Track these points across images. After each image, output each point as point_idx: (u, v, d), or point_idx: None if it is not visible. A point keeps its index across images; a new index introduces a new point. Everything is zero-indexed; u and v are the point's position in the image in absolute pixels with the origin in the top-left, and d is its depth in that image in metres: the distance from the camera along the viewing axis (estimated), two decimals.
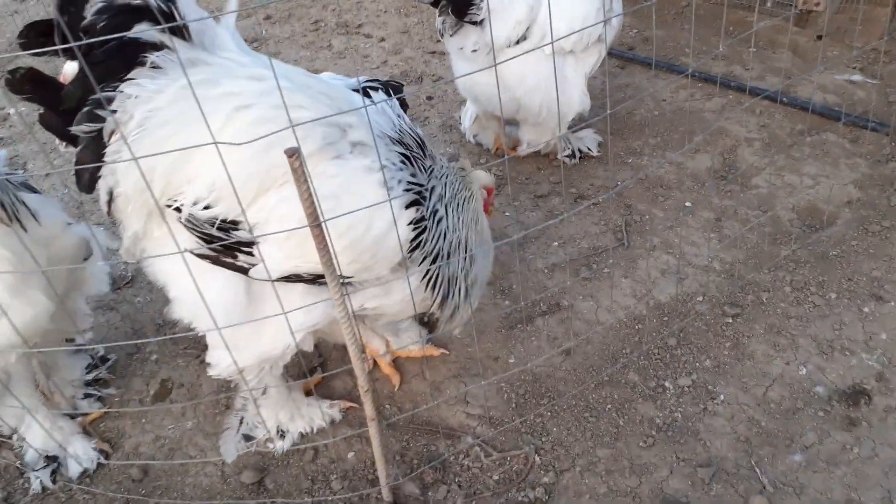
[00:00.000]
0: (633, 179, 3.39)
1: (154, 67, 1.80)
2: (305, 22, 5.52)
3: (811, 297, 2.73)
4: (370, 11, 5.50)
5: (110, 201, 1.91)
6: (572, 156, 3.56)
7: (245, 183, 1.82)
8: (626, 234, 3.12)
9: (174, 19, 1.80)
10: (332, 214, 1.70)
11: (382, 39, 5.08)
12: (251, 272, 1.91)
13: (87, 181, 1.88)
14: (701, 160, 3.49)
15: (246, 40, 4.90)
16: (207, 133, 1.44)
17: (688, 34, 4.57)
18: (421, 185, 2.04)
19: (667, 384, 2.49)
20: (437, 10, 3.08)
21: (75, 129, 1.78)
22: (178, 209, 1.84)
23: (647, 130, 3.75)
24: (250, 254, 1.87)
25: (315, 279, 1.96)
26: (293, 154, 1.52)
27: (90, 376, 2.67)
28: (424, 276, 2.10)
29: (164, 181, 1.84)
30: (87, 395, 2.62)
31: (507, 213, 3.32)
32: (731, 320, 2.68)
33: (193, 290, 1.73)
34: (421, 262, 2.06)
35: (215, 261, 1.91)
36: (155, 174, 1.81)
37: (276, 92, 1.64)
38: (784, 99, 3.75)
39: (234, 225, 1.83)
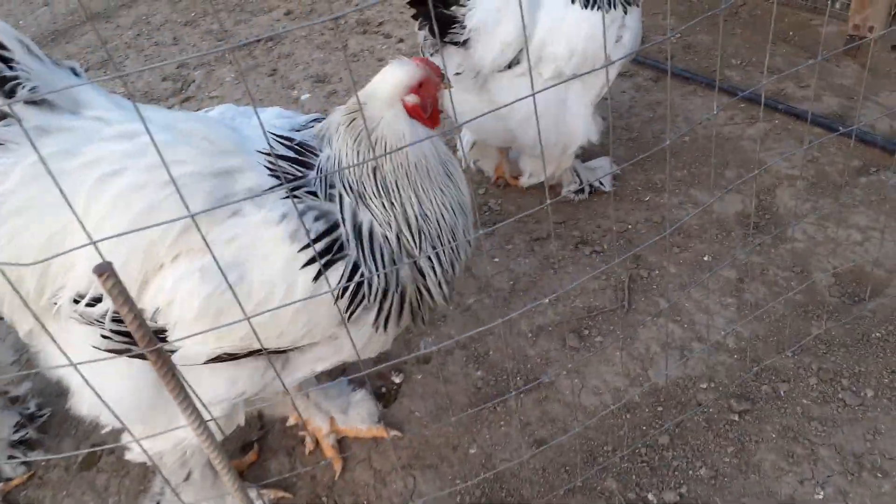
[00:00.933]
0: (645, 224, 2.93)
1: None
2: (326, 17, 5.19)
3: (841, 392, 2.24)
4: (395, 7, 5.11)
5: None
6: (581, 191, 3.12)
7: (126, 265, 1.52)
8: (629, 293, 2.68)
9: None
10: (240, 286, 1.49)
11: (401, 40, 4.70)
12: (173, 359, 1.61)
13: None
14: (731, 202, 2.99)
15: (261, 40, 4.42)
16: (72, 215, 1.16)
17: (738, 40, 3.99)
18: (323, 207, 1.65)
19: (650, 497, 2.08)
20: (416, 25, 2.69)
21: None
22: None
23: (674, 161, 3.26)
24: (164, 339, 1.58)
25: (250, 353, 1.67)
26: (103, 273, 1.19)
27: (17, 436, 2.47)
28: (379, 312, 1.73)
29: (34, 281, 1.56)
30: (10, 458, 2.43)
31: (497, 259, 2.93)
32: (737, 418, 2.23)
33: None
34: (375, 299, 1.69)
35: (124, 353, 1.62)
36: (24, 274, 1.53)
37: (149, 149, 1.39)
38: (840, 128, 3.17)
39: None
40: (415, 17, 2.66)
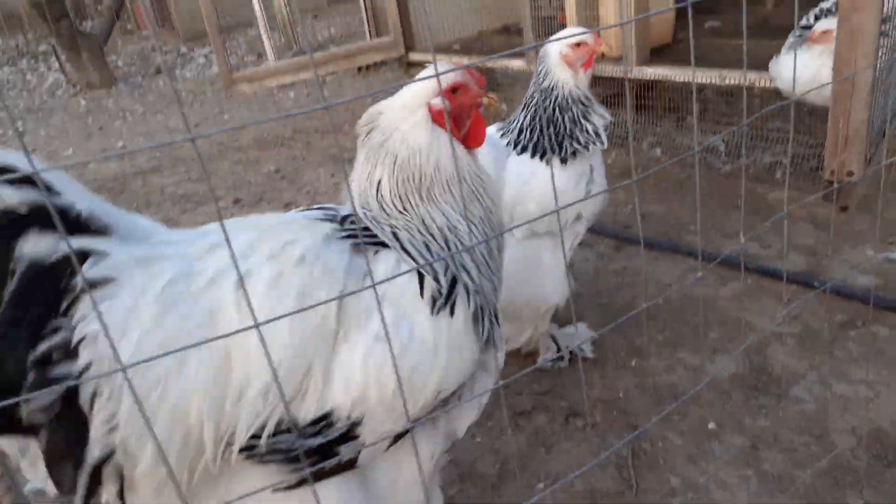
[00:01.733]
0: (636, 390, 2.67)
1: (94, 286, 1.17)
2: (277, 206, 5.11)
3: None
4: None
5: (121, 489, 1.19)
6: (560, 358, 2.87)
7: (301, 353, 1.26)
8: (634, 470, 2.35)
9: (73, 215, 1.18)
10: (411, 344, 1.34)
11: None
12: (360, 460, 1.35)
13: (71, 479, 1.15)
14: (722, 363, 2.79)
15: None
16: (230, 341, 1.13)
17: (690, 209, 4.05)
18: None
19: None
20: None
21: (29, 414, 1.10)
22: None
23: (652, 324, 3.09)
24: (354, 437, 1.31)
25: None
26: None
27: None
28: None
29: (211, 431, 1.21)
30: None
31: (479, 439, 2.58)
32: None
33: None
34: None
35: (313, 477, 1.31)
36: (190, 411, 1.19)
37: (255, 245, 1.32)
38: (816, 283, 3.11)
39: (325, 418, 1.28)
40: None
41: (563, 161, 2.48)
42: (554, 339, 2.88)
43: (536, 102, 2.51)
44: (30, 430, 1.11)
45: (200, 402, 1.18)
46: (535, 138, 2.51)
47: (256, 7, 9.70)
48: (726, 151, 4.44)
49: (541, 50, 2.51)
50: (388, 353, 1.24)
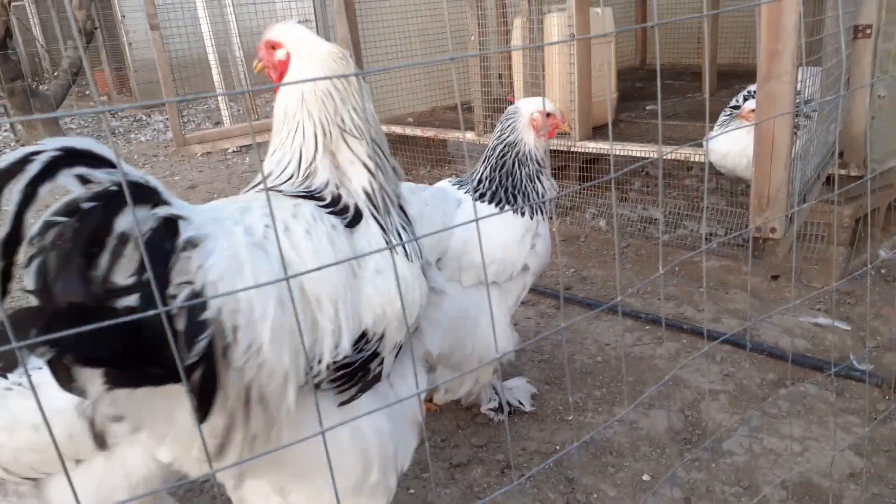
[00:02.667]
0: (576, 446, 2.65)
1: (196, 244, 1.35)
2: None
3: None
4: None
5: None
6: (500, 409, 2.85)
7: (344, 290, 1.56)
8: None
9: None
10: None
11: None
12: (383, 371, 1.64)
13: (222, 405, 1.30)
14: (657, 418, 2.81)
15: None
16: None
17: (629, 274, 4.15)
18: None
19: None
20: None
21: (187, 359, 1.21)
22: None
23: (589, 380, 3.10)
24: (377, 354, 1.60)
25: None
26: None
27: None
28: None
29: (299, 343, 1.42)
30: None
31: (412, 490, 2.51)
32: None
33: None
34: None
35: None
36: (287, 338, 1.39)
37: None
38: (749, 344, 3.20)
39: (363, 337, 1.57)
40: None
41: (515, 212, 2.58)
42: (495, 390, 2.86)
43: (497, 154, 2.66)
44: (175, 378, 1.13)
45: (293, 327, 1.36)
46: (493, 188, 2.64)
47: (216, 76, 9.87)
48: (664, 222, 4.61)
49: (511, 107, 2.67)
50: (390, 282, 1.56)
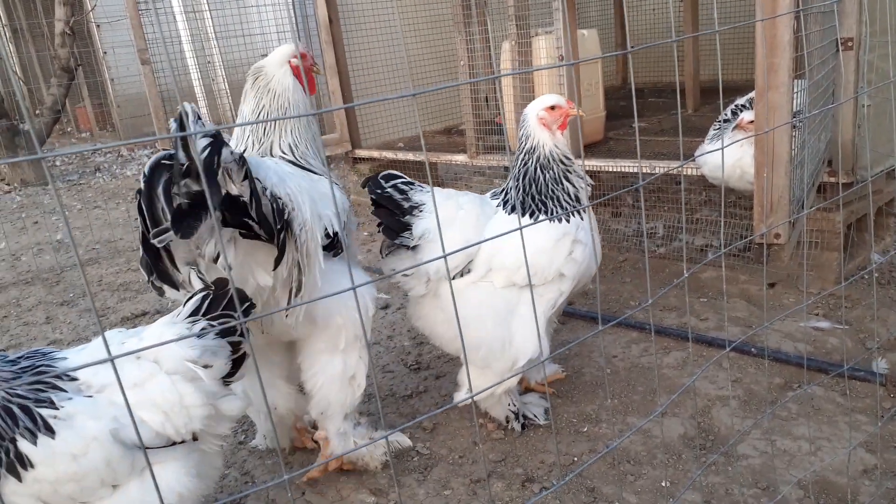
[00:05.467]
0: (594, 458, 2.68)
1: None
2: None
3: None
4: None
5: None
6: (517, 417, 2.88)
7: None
8: None
9: None
10: None
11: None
12: None
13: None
14: (671, 426, 2.85)
15: (148, 312, 4.27)
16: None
17: (630, 287, 4.22)
18: None
19: None
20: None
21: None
22: None
23: (601, 392, 3.15)
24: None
25: None
26: None
27: None
28: None
29: None
30: None
31: None
32: None
33: None
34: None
35: None
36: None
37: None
38: (754, 349, 3.26)
39: None
40: (378, 225, 2.73)
41: (552, 220, 2.64)
42: (511, 399, 2.89)
43: (520, 164, 2.73)
44: (268, 239, 2.09)
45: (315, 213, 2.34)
46: (521, 198, 2.70)
47: (204, 111, 9.91)
48: (661, 235, 4.69)
49: (521, 116, 2.73)
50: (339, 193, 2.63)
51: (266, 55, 2.67)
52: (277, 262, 2.11)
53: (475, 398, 2.81)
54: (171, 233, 1.81)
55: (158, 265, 1.98)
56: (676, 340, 3.50)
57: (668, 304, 3.93)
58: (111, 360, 0.82)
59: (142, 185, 1.80)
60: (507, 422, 2.89)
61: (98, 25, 11.33)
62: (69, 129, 14.91)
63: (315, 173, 2.55)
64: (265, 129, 2.54)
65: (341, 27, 6.22)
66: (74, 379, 1.85)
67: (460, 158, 5.87)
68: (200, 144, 1.77)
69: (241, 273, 2.14)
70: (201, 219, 1.83)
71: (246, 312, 2.03)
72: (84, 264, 6.00)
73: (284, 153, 2.54)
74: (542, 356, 2.58)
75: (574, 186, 2.69)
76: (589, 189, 2.80)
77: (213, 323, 1.97)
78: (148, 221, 1.83)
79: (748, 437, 2.73)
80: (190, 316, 2.00)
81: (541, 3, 5.01)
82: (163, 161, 1.79)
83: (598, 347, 3.54)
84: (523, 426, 2.90)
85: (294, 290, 2.24)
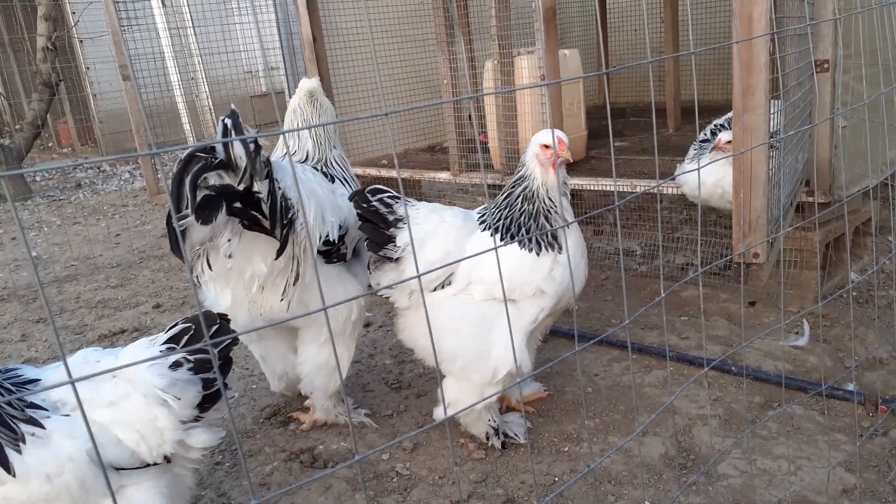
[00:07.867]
0: (575, 478, 2.67)
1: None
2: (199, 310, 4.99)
3: None
4: None
5: None
6: (496, 434, 2.86)
7: None
8: None
9: None
10: None
11: None
12: None
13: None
14: (652, 445, 2.84)
15: (127, 330, 4.23)
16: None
17: (612, 305, 4.23)
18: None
19: None
20: None
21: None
22: None
23: (582, 411, 3.13)
24: None
25: None
26: None
27: None
28: None
29: None
30: None
31: None
32: None
33: None
34: None
35: None
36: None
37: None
38: (734, 368, 3.27)
39: None
40: (364, 240, 2.76)
41: (520, 244, 2.66)
42: (492, 415, 2.87)
43: (510, 185, 2.77)
44: (271, 232, 2.43)
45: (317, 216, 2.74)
46: (496, 217, 2.74)
47: (187, 127, 9.88)
48: (641, 254, 4.71)
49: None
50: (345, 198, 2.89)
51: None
52: (279, 253, 2.46)
53: (456, 415, 2.81)
54: (192, 218, 2.14)
55: (174, 242, 2.34)
56: (658, 359, 3.50)
57: (650, 322, 3.93)
58: (72, 382, 0.80)
59: (174, 172, 2.13)
60: (488, 438, 2.87)
61: (81, 41, 11.28)
62: (50, 145, 14.78)
63: (345, 182, 3.05)
64: (321, 142, 3.14)
65: (325, 45, 6.23)
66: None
67: (444, 176, 5.88)
68: (242, 147, 2.17)
69: (241, 261, 2.49)
70: (220, 209, 2.19)
71: (219, 332, 2.01)
72: (62, 281, 5.92)
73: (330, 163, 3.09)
74: (522, 370, 2.57)
75: (550, 226, 2.69)
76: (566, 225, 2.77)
77: (189, 357, 1.96)
78: (173, 205, 2.15)
79: (728, 456, 2.73)
80: (167, 342, 1.98)
81: (523, 24, 5.05)
82: (198, 154, 2.13)
83: (579, 365, 3.54)
84: (503, 444, 2.88)
85: (292, 280, 2.60)
